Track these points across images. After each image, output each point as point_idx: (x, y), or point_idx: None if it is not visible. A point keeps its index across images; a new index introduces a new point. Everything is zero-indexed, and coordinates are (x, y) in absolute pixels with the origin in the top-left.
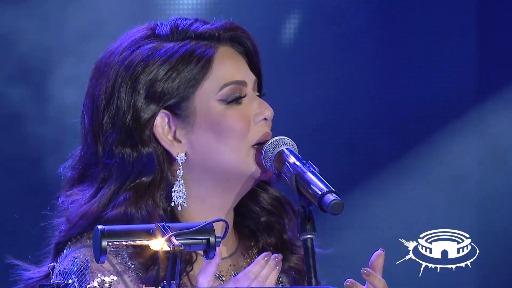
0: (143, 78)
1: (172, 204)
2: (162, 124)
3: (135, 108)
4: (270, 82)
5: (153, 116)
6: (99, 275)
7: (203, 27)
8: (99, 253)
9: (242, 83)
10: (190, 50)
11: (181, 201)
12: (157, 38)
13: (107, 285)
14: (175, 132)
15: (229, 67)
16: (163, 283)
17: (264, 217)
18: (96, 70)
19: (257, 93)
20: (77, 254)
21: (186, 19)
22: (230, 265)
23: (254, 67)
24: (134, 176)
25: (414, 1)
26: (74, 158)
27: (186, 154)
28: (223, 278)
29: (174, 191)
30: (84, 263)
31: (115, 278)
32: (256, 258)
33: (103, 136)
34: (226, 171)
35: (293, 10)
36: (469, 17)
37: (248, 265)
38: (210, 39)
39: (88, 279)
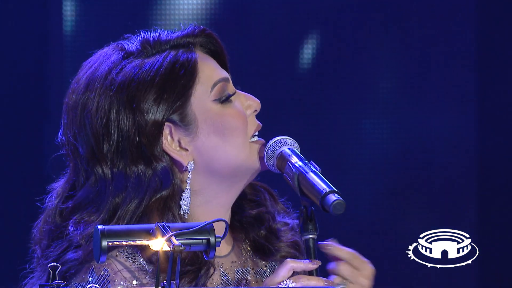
0: (139, 97)
1: (181, 212)
2: (165, 136)
3: (140, 128)
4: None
5: (160, 130)
6: (121, 282)
7: (174, 35)
8: (99, 253)
9: (226, 80)
10: (174, 60)
11: (186, 208)
12: (135, 56)
13: None
14: (179, 141)
15: (211, 68)
16: (163, 283)
17: (255, 210)
18: (75, 101)
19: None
20: (93, 266)
21: (149, 31)
22: (232, 262)
23: (224, 65)
24: (151, 193)
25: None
26: (62, 189)
27: (193, 161)
28: (228, 276)
29: (183, 199)
30: (103, 273)
31: (136, 282)
32: (249, 251)
33: (109, 161)
34: (233, 169)
35: (312, 30)
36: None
37: (244, 263)
38: (186, 45)
39: (110, 287)
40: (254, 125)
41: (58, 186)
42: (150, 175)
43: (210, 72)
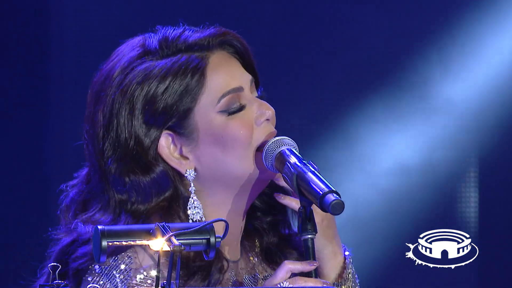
0: (140, 102)
1: (190, 221)
2: (167, 144)
3: (136, 134)
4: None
5: (156, 139)
6: (141, 271)
7: (192, 37)
8: (99, 253)
9: (239, 89)
10: (182, 67)
11: (198, 218)
12: (149, 55)
13: (149, 281)
14: (181, 149)
15: (223, 76)
16: (163, 283)
17: (270, 216)
18: (92, 95)
19: (256, 92)
20: (118, 255)
21: (174, 29)
22: (241, 268)
23: (248, 66)
24: (155, 197)
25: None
26: (79, 178)
27: (195, 169)
28: (238, 281)
29: (189, 208)
30: (127, 259)
31: (154, 273)
32: (259, 256)
33: (105, 165)
34: (236, 179)
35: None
36: None
37: (252, 270)
38: (201, 49)
39: (131, 275)
40: (263, 134)
41: (79, 175)
42: (147, 181)
43: (221, 81)
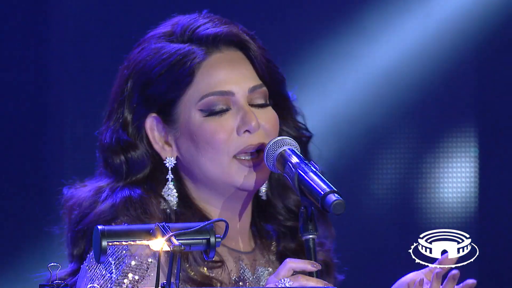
0: (137, 80)
1: (166, 206)
2: (154, 127)
3: (124, 111)
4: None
5: (143, 118)
6: (136, 257)
7: (205, 30)
8: (99, 253)
9: (228, 93)
10: (182, 56)
11: (171, 204)
12: (170, 36)
13: (144, 266)
14: (167, 136)
15: (216, 76)
16: (163, 283)
17: (290, 221)
18: (124, 64)
19: (259, 100)
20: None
21: (201, 18)
22: (254, 260)
23: (260, 71)
24: (136, 172)
25: None
26: None
27: (177, 158)
28: (249, 272)
29: (168, 195)
30: (121, 245)
31: (152, 260)
32: (274, 260)
33: (99, 135)
34: (209, 180)
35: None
36: None
37: (266, 263)
38: (207, 43)
39: (126, 261)
40: (242, 144)
41: None
42: (125, 158)
43: (210, 81)
